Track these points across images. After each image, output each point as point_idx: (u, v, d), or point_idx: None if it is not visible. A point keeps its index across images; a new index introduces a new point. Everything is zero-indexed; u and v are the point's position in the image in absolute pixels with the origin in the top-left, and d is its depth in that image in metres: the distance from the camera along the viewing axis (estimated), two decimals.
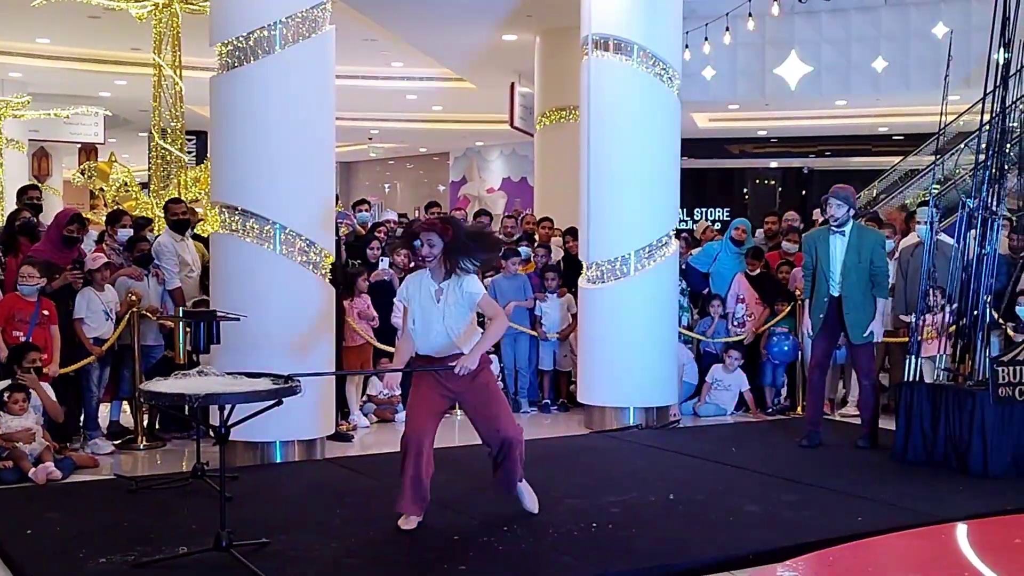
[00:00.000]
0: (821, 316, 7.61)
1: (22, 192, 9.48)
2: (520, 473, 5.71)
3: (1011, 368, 6.73)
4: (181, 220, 8.58)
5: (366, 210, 11.22)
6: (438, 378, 5.44)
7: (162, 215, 11.00)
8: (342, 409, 8.65)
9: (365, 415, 8.92)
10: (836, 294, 7.59)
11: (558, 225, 11.07)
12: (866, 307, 7.59)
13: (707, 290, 10.01)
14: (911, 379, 7.40)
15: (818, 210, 8.00)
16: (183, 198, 12.31)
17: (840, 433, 8.20)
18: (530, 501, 5.76)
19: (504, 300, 9.56)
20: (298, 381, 4.80)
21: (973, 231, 7.41)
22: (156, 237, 8.77)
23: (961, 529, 5.35)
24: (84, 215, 10.74)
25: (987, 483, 6.56)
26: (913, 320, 7.87)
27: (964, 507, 5.91)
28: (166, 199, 10.51)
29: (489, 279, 9.96)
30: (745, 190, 24.46)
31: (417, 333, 5.44)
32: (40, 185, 13.08)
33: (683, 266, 9.65)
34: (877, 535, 5.24)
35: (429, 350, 5.44)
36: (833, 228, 7.59)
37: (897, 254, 9.51)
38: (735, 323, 9.62)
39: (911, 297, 8.83)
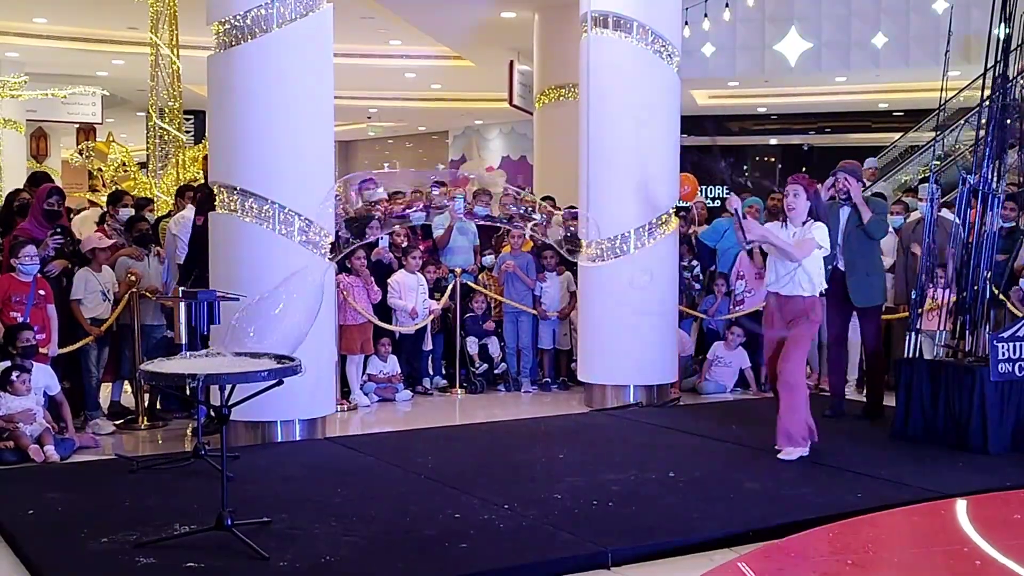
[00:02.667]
0: (826, 287, 7.59)
1: (36, 181, 9.42)
2: (794, 435, 6.52)
3: (1011, 344, 6.73)
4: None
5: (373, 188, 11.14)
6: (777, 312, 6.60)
7: (163, 194, 11.01)
8: (343, 388, 8.66)
9: (366, 394, 8.93)
10: (840, 266, 7.69)
11: (558, 204, 11.03)
12: (868, 270, 7.76)
13: (713, 267, 10.00)
14: (911, 355, 7.40)
15: (829, 181, 7.98)
16: (181, 177, 12.32)
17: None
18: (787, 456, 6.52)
19: (509, 276, 9.59)
20: (299, 360, 4.79)
21: (974, 207, 7.39)
22: (160, 216, 8.72)
23: (961, 505, 5.36)
24: (85, 195, 10.73)
25: (987, 459, 6.57)
26: (914, 296, 7.85)
27: (964, 483, 5.92)
28: (180, 178, 10.46)
29: (491, 256, 9.96)
30: (745, 167, 24.43)
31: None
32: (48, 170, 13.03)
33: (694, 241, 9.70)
34: (877, 511, 5.26)
35: (778, 288, 6.58)
36: (842, 200, 7.72)
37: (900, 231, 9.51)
38: (735, 300, 9.62)
39: (912, 273, 8.82)
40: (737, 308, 9.57)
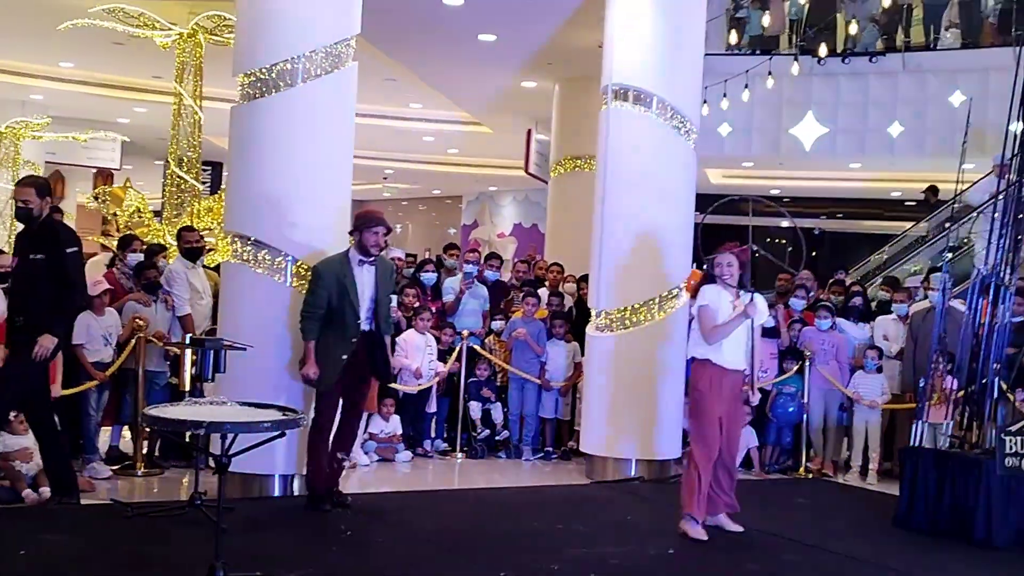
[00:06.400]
0: (344, 357, 6.64)
1: None
2: None
3: (1019, 438, 6.67)
4: (194, 248, 8.59)
5: (474, 260, 10.38)
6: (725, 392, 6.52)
7: (174, 242, 11.06)
8: None
9: (366, 453, 8.86)
10: (367, 329, 6.77)
11: (567, 272, 11.07)
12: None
13: None
14: (916, 444, 7.34)
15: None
16: (195, 227, 12.37)
17: (843, 496, 8.12)
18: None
19: (518, 342, 9.55)
20: (303, 413, 4.77)
21: (985, 299, 7.38)
22: (168, 264, 8.77)
23: None
24: (98, 240, 10.78)
25: (991, 553, 6.47)
26: (922, 385, 7.81)
27: None
28: (179, 227, 10.52)
29: (500, 321, 9.92)
30: (756, 249, 24.49)
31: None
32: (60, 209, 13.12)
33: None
34: None
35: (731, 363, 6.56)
36: (363, 258, 6.74)
37: (909, 319, 9.50)
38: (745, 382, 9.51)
39: (920, 362, 8.78)
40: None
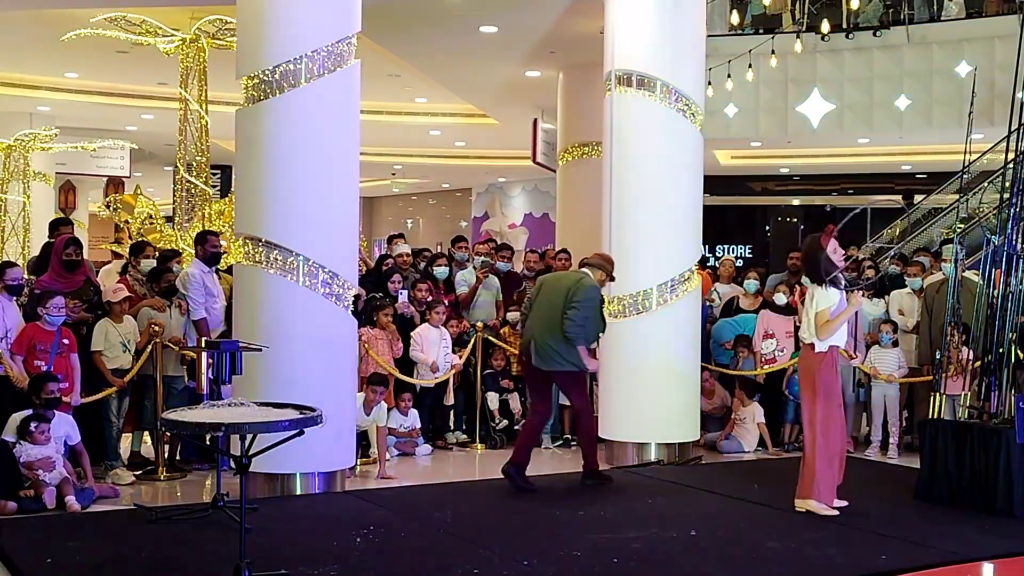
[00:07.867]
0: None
1: (55, 226, 9.54)
2: None
3: None
4: (218, 253, 8.62)
5: (485, 252, 10.70)
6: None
7: (188, 247, 11.13)
8: (363, 442, 8.63)
9: (387, 448, 8.89)
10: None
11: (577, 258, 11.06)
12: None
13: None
14: (935, 417, 7.34)
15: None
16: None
17: (864, 471, 8.12)
18: None
19: None
20: (320, 411, 4.80)
21: (998, 268, 7.36)
22: (184, 268, 8.80)
23: (987, 568, 5.29)
24: (112, 247, 10.86)
25: (1012, 522, 6.47)
26: (939, 358, 7.80)
27: (989, 546, 5.86)
28: (201, 230, 10.55)
29: (515, 311, 9.94)
30: (767, 227, 24.43)
31: None
32: (72, 219, 13.19)
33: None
34: (902, 574, 5.19)
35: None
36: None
37: (923, 292, 9.48)
38: (763, 360, 9.55)
39: (936, 335, 8.77)
40: (766, 367, 9.51)
